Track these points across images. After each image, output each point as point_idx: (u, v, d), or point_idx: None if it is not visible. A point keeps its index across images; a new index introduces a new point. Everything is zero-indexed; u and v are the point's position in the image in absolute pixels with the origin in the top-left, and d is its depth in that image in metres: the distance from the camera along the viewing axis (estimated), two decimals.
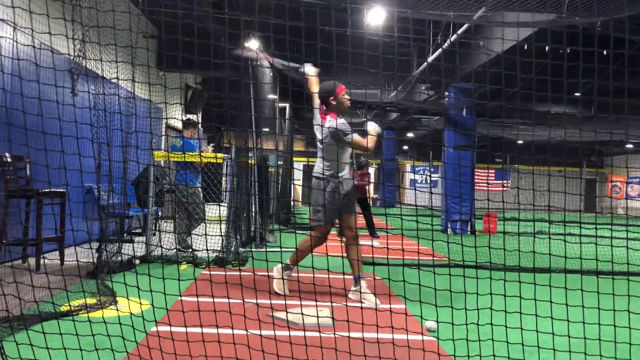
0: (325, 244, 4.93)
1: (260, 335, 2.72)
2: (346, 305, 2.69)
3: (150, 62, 11.46)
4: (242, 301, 2.75)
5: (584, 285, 2.87)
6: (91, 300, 4.24)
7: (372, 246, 3.68)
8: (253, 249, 7.81)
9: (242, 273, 5.22)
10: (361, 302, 4.50)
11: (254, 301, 2.83)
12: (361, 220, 11.37)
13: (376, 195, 26.00)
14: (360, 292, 4.78)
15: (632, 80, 3.26)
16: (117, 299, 4.40)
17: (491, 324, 2.93)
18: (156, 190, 7.78)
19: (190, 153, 7.75)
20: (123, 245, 6.38)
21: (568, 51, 4.13)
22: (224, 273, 5.77)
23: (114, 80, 4.29)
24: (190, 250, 7.22)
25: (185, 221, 7.66)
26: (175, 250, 7.18)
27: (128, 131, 6.13)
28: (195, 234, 7.60)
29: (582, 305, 2.79)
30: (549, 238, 2.86)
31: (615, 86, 3.41)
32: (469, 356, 2.95)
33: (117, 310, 3.25)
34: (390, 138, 24.87)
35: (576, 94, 12.05)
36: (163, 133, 11.89)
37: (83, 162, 3.02)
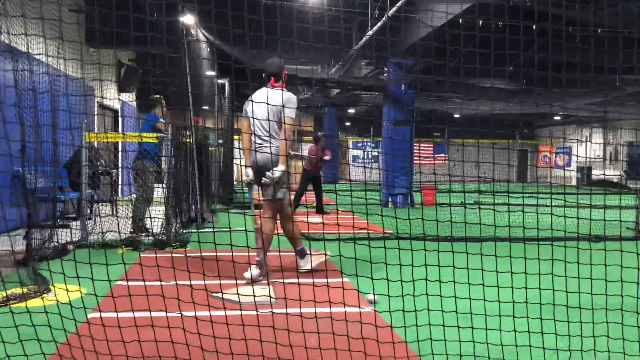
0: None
1: (196, 317, 2.67)
2: (283, 282, 2.68)
3: (80, 38, 10.86)
4: (174, 283, 2.69)
5: (513, 252, 2.98)
6: (18, 290, 4.04)
7: (307, 222, 3.68)
8: (194, 230, 7.66)
9: (175, 255, 5.12)
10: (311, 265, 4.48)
11: (188, 283, 2.77)
12: (311, 197, 11.17)
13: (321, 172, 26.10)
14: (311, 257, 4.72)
15: (556, 53, 3.37)
16: (51, 287, 4.21)
17: (427, 294, 3.00)
18: (90, 173, 7.45)
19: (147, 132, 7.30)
20: (56, 231, 6.09)
21: (500, 25, 4.22)
22: (163, 256, 5.65)
23: (39, 57, 4.02)
24: (144, 233, 6.97)
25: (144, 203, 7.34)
26: (113, 233, 6.93)
27: (54, 110, 5.80)
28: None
29: (510, 272, 2.89)
30: (479, 209, 2.94)
31: (546, 59, 3.51)
32: (405, 326, 3.02)
33: (42, 299, 3.10)
34: (321, 113, 24.97)
35: (511, 69, 12.34)
36: (95, 112, 11.41)
37: (10, 146, 2.84)
